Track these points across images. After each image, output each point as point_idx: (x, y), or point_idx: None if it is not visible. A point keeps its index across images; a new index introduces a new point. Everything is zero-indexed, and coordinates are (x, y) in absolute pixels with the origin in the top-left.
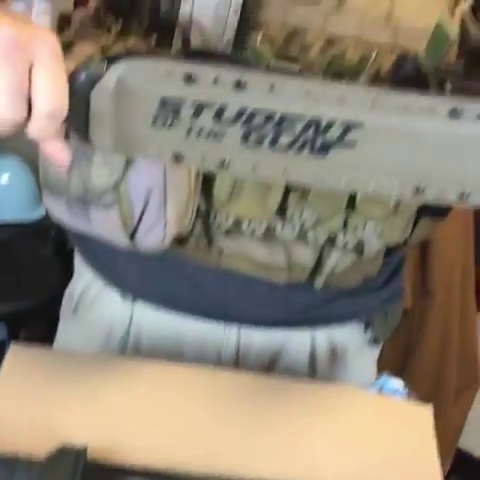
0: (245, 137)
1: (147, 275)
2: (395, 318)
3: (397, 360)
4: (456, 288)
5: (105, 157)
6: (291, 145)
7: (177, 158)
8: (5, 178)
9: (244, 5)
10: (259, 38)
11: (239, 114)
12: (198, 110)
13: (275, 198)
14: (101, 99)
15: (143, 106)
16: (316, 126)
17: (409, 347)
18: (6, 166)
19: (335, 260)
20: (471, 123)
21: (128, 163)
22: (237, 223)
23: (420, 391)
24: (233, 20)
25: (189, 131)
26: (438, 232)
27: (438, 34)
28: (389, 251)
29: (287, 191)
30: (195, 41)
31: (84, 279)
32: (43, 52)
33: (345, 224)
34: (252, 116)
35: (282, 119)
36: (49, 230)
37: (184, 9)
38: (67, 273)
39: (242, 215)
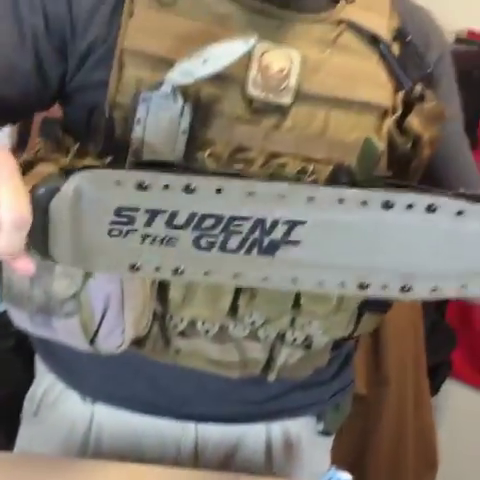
0: (197, 242)
1: (106, 376)
2: (346, 409)
3: (355, 447)
4: (409, 373)
5: (65, 269)
6: (240, 247)
7: (133, 269)
8: None
9: (192, 126)
10: (206, 154)
11: (190, 219)
12: (151, 217)
13: (226, 300)
14: (60, 210)
15: (99, 215)
16: (262, 226)
17: (366, 434)
18: None
19: (285, 355)
20: (403, 213)
21: (87, 274)
22: (192, 324)
23: (378, 478)
24: (182, 139)
25: (143, 239)
26: (388, 318)
27: (367, 147)
28: (337, 344)
29: (237, 293)
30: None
31: (45, 381)
32: (2, 170)
33: (293, 322)
34: (202, 220)
35: (230, 221)
36: (9, 325)
37: (136, 132)
38: (27, 368)
39: (196, 317)
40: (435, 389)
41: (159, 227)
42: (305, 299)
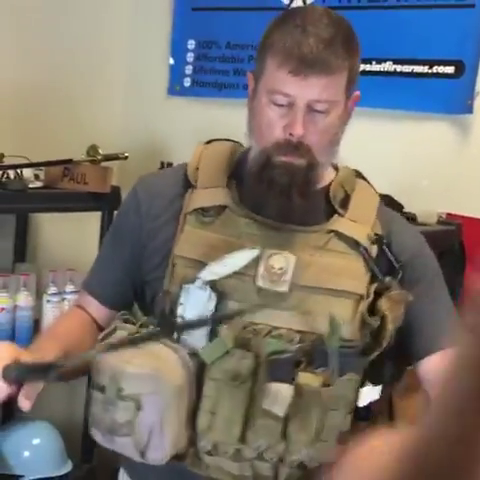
0: None
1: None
2: None
3: None
4: None
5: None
6: None
7: None
8: (37, 441)
9: (216, 307)
10: (225, 326)
11: None
12: None
13: (237, 429)
14: None
15: None
16: None
17: None
18: (37, 430)
19: (285, 474)
20: None
21: (138, 407)
22: (215, 446)
23: None
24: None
25: None
26: None
27: (333, 322)
28: None
29: (245, 424)
30: None
31: None
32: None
33: (287, 448)
34: None
35: None
36: None
37: (179, 311)
38: None
39: (217, 441)
40: None
41: None
42: (290, 429)
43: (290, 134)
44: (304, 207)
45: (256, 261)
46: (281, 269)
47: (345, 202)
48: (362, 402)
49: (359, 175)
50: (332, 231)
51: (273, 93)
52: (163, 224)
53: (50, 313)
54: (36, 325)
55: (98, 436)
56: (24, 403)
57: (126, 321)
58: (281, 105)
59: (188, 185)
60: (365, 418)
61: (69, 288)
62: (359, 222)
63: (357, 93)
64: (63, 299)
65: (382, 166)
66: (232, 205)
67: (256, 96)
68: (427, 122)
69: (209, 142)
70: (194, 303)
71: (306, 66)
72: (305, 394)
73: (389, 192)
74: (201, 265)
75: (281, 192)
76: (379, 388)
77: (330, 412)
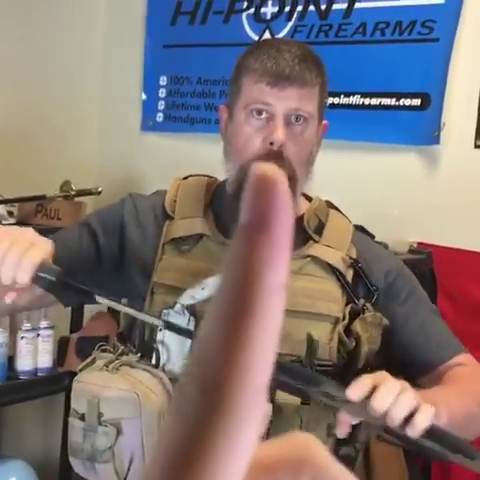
0: None
1: None
2: None
3: None
4: None
5: (105, 430)
6: None
7: None
8: None
9: (196, 331)
10: None
11: None
12: None
13: None
14: None
15: None
16: None
17: None
18: (13, 469)
19: None
20: None
21: (119, 432)
22: None
23: None
24: (189, 340)
25: None
26: None
27: (309, 339)
28: None
29: None
30: (164, 355)
31: None
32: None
33: None
34: None
35: None
36: None
37: (159, 336)
38: None
39: None
40: None
41: None
42: None
43: (270, 143)
44: None
45: None
46: None
47: (319, 229)
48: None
49: (331, 205)
50: (308, 256)
51: (252, 104)
52: (143, 245)
53: (24, 349)
54: (10, 362)
55: (78, 466)
56: (10, 296)
57: (104, 351)
58: (260, 115)
59: (166, 216)
60: (348, 443)
61: (43, 324)
62: (334, 247)
63: (325, 122)
64: (37, 335)
65: (353, 197)
66: (209, 233)
67: (232, 120)
68: (396, 153)
69: (186, 178)
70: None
71: (283, 78)
72: (284, 412)
73: (361, 222)
74: (180, 291)
75: None
76: None
77: (310, 433)
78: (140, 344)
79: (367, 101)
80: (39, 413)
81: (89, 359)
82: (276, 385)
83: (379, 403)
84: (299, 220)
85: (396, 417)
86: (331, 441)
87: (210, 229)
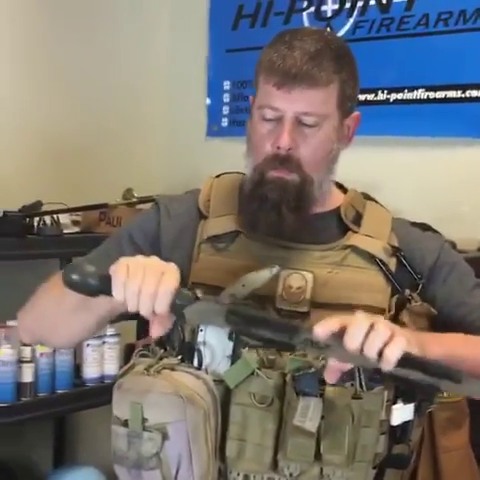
0: None
1: None
2: None
3: None
4: None
5: (150, 435)
6: None
7: None
8: None
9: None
10: (247, 348)
11: None
12: None
13: (268, 456)
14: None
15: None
16: None
17: None
18: (85, 476)
19: None
20: None
21: (164, 437)
22: (246, 477)
23: None
24: (229, 343)
25: None
26: None
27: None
28: None
29: (276, 449)
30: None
31: None
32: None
33: (321, 472)
34: None
35: None
36: None
37: (200, 337)
38: None
39: (248, 471)
40: None
41: None
42: (323, 448)
43: (278, 147)
44: (297, 223)
45: (273, 282)
46: (299, 288)
47: (357, 220)
48: (395, 421)
49: (368, 197)
50: (348, 246)
51: (262, 108)
52: (175, 249)
53: (90, 357)
54: (77, 370)
55: (124, 474)
56: (157, 330)
57: (143, 356)
58: (270, 120)
59: (200, 216)
60: (401, 441)
61: (109, 331)
62: (374, 237)
63: (356, 114)
64: (103, 342)
65: (419, 194)
66: (245, 230)
67: (252, 116)
68: (463, 147)
69: (218, 176)
70: (213, 328)
71: (290, 79)
72: (335, 408)
73: (428, 220)
74: (219, 290)
75: (272, 208)
76: (411, 407)
77: (362, 429)
78: (180, 346)
79: (432, 95)
80: (108, 420)
81: (128, 365)
82: (263, 343)
83: (351, 342)
84: (336, 213)
85: (369, 353)
86: (384, 439)
87: (246, 226)
